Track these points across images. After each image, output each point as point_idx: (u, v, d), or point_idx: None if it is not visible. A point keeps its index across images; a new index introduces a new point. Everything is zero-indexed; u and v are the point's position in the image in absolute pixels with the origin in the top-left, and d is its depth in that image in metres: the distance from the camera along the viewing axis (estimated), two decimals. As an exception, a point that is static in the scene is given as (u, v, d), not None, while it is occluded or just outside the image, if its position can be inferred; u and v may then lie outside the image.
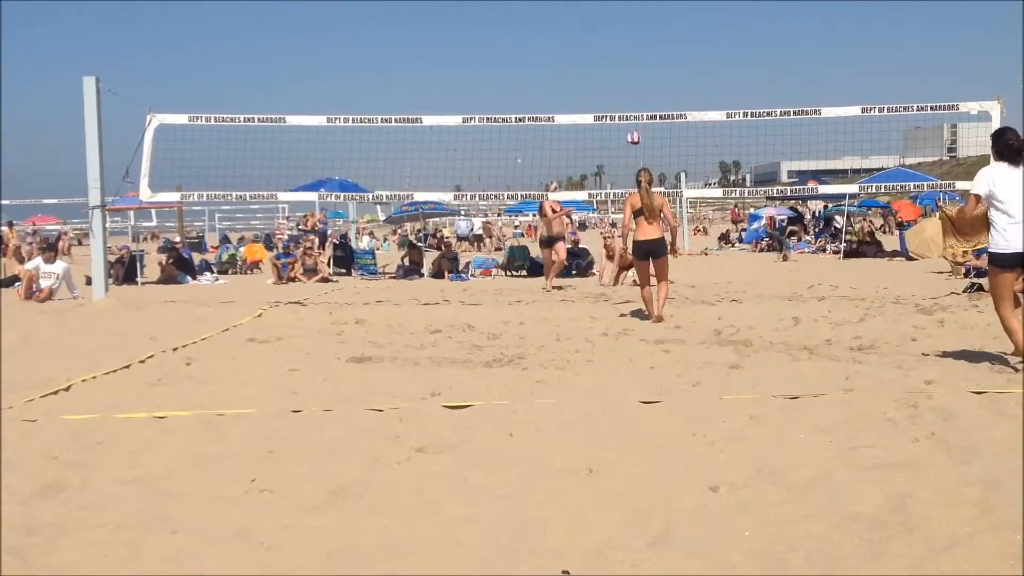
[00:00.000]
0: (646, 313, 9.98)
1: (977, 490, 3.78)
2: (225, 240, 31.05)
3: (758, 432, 4.90)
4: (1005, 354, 6.84)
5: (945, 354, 7.25)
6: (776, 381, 6.28)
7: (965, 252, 16.88)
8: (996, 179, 6.36)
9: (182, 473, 4.34)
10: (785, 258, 22.60)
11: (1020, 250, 6.26)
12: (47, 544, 3.44)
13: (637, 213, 9.94)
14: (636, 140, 13.81)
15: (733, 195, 50.20)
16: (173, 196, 15.99)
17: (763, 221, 31.78)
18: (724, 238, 33.68)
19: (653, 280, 10.02)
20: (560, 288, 14.89)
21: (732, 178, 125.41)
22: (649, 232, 9.87)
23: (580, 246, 20.69)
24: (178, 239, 25.50)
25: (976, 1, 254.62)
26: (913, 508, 3.61)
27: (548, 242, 15.41)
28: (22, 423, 5.34)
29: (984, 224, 7.03)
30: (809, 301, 11.82)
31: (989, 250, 6.60)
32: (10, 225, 30.62)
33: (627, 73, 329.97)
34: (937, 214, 22.05)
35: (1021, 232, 6.25)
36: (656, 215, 9.84)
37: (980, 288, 12.55)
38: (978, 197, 6.50)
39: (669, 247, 10.14)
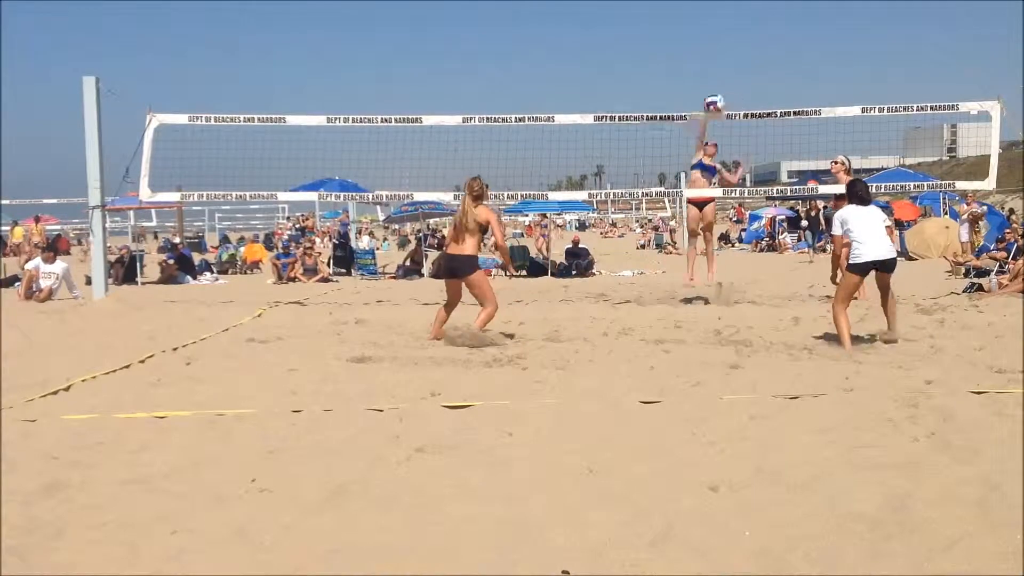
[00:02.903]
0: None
1: (977, 490, 3.78)
2: (225, 240, 31.05)
3: (758, 432, 4.91)
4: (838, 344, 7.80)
5: (945, 354, 7.26)
6: (776, 381, 6.28)
7: (965, 253, 17.06)
8: (848, 218, 8.12)
9: (182, 473, 4.34)
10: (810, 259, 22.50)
11: (867, 260, 7.97)
12: (47, 544, 3.44)
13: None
14: (715, 110, 12.31)
15: (733, 195, 50.14)
16: (173, 196, 15.99)
17: (763, 221, 31.78)
18: (724, 238, 33.68)
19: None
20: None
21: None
22: (452, 247, 8.62)
23: (580, 246, 20.72)
24: (177, 239, 25.52)
25: (976, 1, 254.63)
26: (913, 508, 3.61)
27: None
28: (22, 423, 5.34)
29: None
30: (809, 301, 11.82)
31: (848, 261, 8.21)
32: (36, 220, 30.66)
33: (627, 73, 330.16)
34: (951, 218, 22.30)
35: (868, 250, 7.94)
36: (469, 231, 8.43)
37: (980, 288, 12.57)
38: (836, 237, 8.53)
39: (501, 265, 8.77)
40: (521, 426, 5.11)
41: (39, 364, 7.53)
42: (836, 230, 8.31)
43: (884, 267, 8.05)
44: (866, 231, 8.00)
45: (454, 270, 8.60)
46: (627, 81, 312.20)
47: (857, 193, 8.34)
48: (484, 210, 8.57)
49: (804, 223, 27.09)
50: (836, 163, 11.84)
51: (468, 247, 8.46)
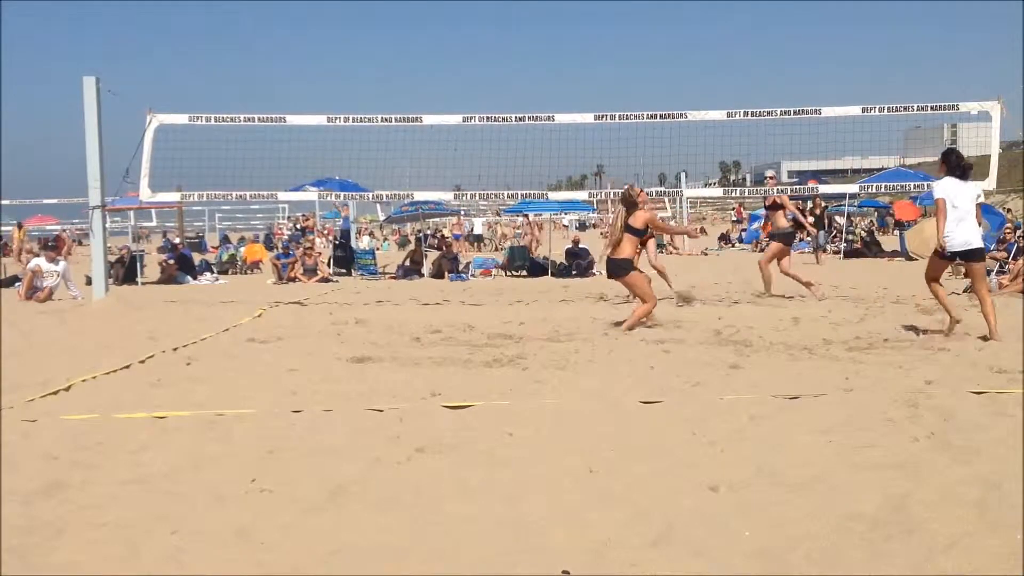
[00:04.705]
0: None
1: (977, 490, 3.78)
2: (225, 240, 31.03)
3: (758, 432, 4.91)
4: (930, 331, 8.38)
5: (945, 354, 7.26)
6: (776, 381, 6.28)
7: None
8: (950, 196, 7.92)
9: (182, 473, 4.34)
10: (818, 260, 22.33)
11: (953, 251, 8.01)
12: (47, 544, 3.44)
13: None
14: None
15: (733, 195, 50.11)
16: (173, 196, 15.99)
17: (763, 223, 31.74)
18: (724, 238, 33.69)
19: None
20: None
21: (732, 178, 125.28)
22: (611, 251, 9.46)
23: (580, 246, 20.71)
24: (177, 239, 25.52)
25: (976, 1, 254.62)
26: (913, 508, 3.61)
27: None
28: (22, 423, 5.34)
29: None
30: (809, 301, 11.82)
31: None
32: (19, 226, 30.70)
33: (627, 73, 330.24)
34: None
35: (955, 240, 7.92)
36: (620, 236, 9.29)
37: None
38: (941, 201, 7.94)
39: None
40: (521, 426, 5.11)
41: (39, 364, 7.53)
42: (938, 194, 7.96)
43: (971, 256, 8.05)
44: (958, 218, 7.86)
45: (612, 272, 9.52)
46: (627, 81, 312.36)
47: (959, 165, 8.06)
48: (641, 215, 9.34)
49: (809, 220, 26.96)
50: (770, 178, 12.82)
51: (623, 251, 9.30)
